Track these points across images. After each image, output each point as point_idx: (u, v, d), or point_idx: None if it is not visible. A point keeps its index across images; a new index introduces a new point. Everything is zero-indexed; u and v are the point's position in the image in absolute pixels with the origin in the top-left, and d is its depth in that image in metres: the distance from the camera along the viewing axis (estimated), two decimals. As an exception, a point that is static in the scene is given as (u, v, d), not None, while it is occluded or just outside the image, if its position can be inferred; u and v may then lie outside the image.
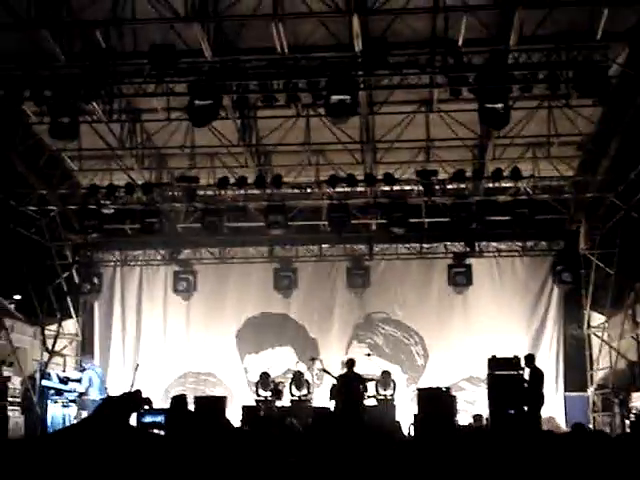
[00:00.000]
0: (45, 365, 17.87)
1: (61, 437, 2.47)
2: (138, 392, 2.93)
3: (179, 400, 5.45)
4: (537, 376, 16.61)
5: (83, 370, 15.92)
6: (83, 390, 15.19)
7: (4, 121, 15.54)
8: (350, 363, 17.00)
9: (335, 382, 16.64)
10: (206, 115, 13.90)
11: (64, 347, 19.24)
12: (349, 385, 16.39)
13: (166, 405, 18.27)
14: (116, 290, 20.33)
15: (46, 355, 18.32)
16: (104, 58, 13.76)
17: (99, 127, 16.58)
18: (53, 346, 18.67)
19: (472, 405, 18.64)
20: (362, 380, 16.84)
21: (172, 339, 19.92)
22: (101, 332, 20.22)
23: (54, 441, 2.43)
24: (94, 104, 15.17)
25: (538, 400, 15.70)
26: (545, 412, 16.21)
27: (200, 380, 19.81)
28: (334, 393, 16.49)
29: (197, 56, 14.07)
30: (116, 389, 17.67)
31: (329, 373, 17.20)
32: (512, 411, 13.69)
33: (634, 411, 15.47)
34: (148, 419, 11.43)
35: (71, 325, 19.82)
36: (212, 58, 14.21)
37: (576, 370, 19.20)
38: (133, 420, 10.39)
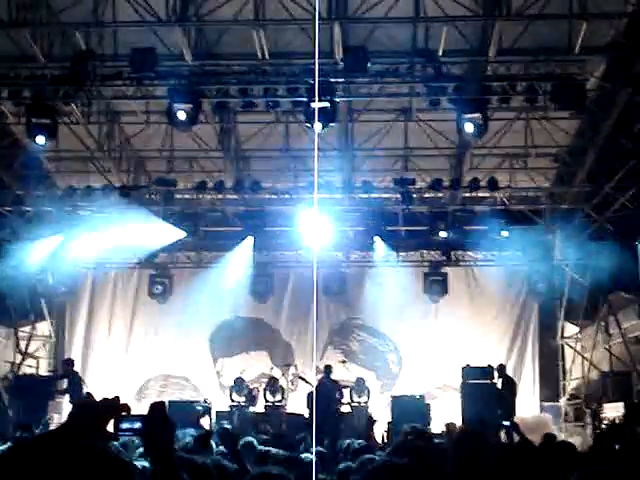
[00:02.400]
0: (18, 367, 17.74)
1: (32, 445, 2.45)
2: (116, 398, 2.91)
3: (158, 407, 5.48)
4: (509, 385, 16.74)
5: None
6: None
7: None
8: (327, 369, 17.06)
9: (311, 389, 16.68)
10: (188, 119, 13.91)
11: (37, 349, 19.11)
12: (326, 392, 16.43)
13: (140, 409, 18.34)
14: (89, 292, 20.20)
15: (19, 357, 18.19)
16: (84, 60, 13.72)
17: (77, 129, 16.49)
18: (26, 348, 18.55)
19: (445, 413, 18.70)
20: (338, 387, 16.90)
21: (145, 342, 19.79)
22: (78, 335, 20.06)
23: (25, 449, 2.40)
24: (73, 106, 15.10)
25: (510, 409, 15.82)
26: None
27: (171, 383, 19.73)
28: (310, 400, 16.52)
29: (178, 60, 14.08)
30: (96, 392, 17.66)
31: (305, 380, 17.23)
32: (507, 422, 13.74)
33: (605, 422, 15.60)
34: (125, 425, 11.29)
35: (45, 327, 19.68)
36: (192, 62, 14.23)
37: (550, 380, 19.32)
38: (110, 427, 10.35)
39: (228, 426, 10.30)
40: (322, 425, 13.97)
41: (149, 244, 18.14)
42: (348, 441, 8.41)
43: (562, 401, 18.80)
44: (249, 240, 18.35)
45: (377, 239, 18.16)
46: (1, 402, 16.29)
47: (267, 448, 7.14)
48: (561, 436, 17.33)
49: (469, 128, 13.99)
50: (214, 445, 6.92)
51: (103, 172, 17.82)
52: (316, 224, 17.24)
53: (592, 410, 16.76)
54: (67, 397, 15.77)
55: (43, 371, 18.51)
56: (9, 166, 17.20)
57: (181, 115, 13.81)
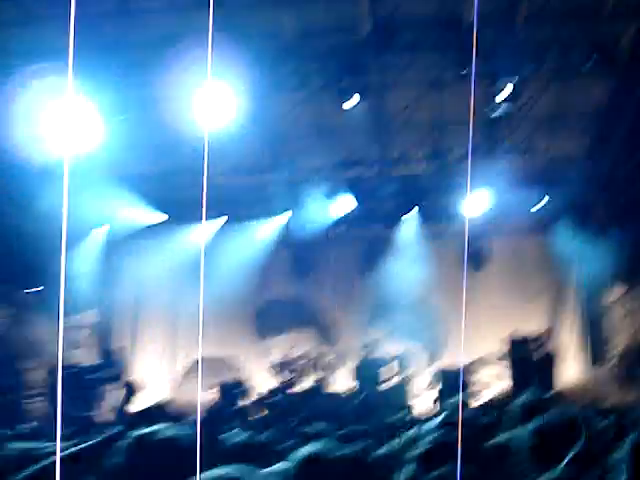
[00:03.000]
0: (66, 357, 18.00)
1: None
2: None
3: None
4: (557, 353, 16.65)
5: None
6: None
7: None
8: (372, 344, 17.13)
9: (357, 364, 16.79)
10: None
11: (85, 338, 19.37)
12: (371, 367, 16.52)
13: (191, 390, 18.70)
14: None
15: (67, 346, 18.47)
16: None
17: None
18: (74, 337, 18.80)
19: (493, 383, 18.68)
20: (383, 361, 16.96)
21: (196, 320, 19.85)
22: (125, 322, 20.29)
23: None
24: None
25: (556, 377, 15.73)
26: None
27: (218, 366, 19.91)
28: (357, 375, 16.63)
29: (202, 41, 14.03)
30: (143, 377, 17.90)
31: (349, 358, 17.34)
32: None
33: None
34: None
35: (91, 316, 19.94)
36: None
37: (598, 343, 19.15)
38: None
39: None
40: (368, 402, 14.05)
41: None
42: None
43: (612, 364, 18.62)
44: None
45: (414, 211, 18.09)
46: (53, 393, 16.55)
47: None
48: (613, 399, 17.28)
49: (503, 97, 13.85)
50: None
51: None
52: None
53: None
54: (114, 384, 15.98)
55: (91, 361, 18.77)
56: None
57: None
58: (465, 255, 17.05)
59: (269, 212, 18.81)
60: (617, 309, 18.97)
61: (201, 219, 17.86)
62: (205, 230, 18.83)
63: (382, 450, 5.88)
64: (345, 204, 18.43)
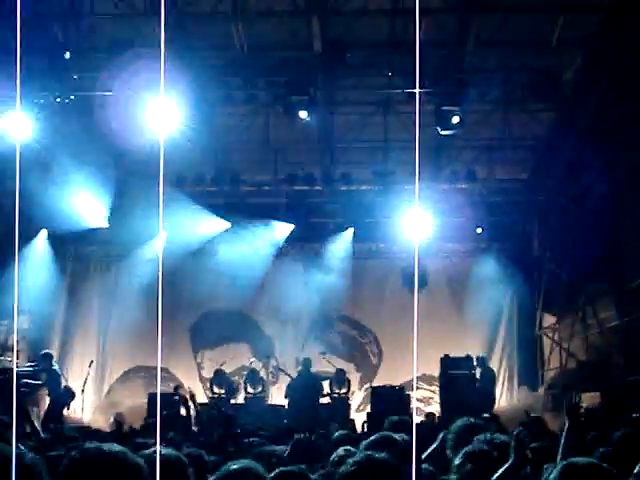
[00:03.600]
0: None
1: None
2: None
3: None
4: (489, 376, 16.89)
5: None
6: None
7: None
8: (306, 362, 17.16)
9: (291, 380, 16.78)
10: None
11: (16, 342, 18.98)
12: (305, 383, 16.53)
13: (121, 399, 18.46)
14: (71, 283, 20.09)
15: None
16: (61, 51, 13.67)
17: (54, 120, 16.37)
18: (5, 342, 18.44)
19: (425, 404, 18.86)
20: (318, 378, 16.99)
21: (127, 332, 19.60)
22: (57, 328, 19.95)
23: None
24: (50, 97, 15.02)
25: (489, 400, 15.96)
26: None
27: (151, 375, 19.69)
28: (290, 391, 16.62)
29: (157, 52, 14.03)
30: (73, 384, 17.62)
31: (285, 372, 17.32)
32: (486, 415, 13.75)
33: (582, 411, 15.72)
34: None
35: (25, 320, 19.57)
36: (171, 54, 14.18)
37: (528, 370, 19.48)
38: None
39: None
40: (302, 416, 14.06)
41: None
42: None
43: (540, 391, 18.96)
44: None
45: (350, 230, 18.27)
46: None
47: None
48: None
49: (455, 120, 14.12)
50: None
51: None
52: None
53: (569, 399, 16.89)
54: (46, 391, 15.72)
55: (22, 365, 18.40)
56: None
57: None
58: (416, 276, 17.21)
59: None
60: (548, 338, 19.34)
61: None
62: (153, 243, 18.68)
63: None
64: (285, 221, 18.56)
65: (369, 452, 4.04)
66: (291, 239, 19.26)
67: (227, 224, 18.45)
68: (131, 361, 19.64)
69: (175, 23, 14.32)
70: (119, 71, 13.24)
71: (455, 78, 14.23)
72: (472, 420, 6.79)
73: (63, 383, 16.33)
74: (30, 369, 16.09)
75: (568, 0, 13.43)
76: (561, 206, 17.90)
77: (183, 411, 11.92)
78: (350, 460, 3.82)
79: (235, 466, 3.70)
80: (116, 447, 2.70)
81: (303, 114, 13.96)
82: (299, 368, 17.74)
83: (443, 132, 14.39)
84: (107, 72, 13.75)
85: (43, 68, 13.73)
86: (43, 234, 18.59)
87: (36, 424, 9.41)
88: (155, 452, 3.55)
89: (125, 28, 14.02)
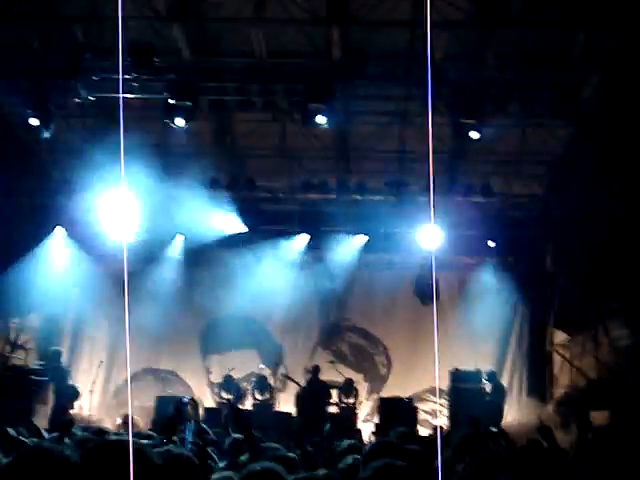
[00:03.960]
0: (7, 359, 17.72)
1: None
2: None
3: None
4: (498, 391, 16.83)
5: None
6: None
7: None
8: (315, 370, 17.14)
9: (300, 388, 16.76)
10: (183, 116, 13.95)
11: (27, 341, 19.07)
12: (314, 392, 16.51)
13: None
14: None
15: (8, 348, 18.19)
16: (81, 53, 13.75)
17: (74, 122, 16.48)
18: (16, 339, 18.52)
19: (433, 416, 18.77)
20: (326, 387, 16.96)
21: (136, 334, 19.57)
22: (67, 326, 19.97)
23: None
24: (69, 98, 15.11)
25: (498, 415, 15.89)
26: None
27: (159, 378, 19.71)
28: (298, 400, 16.61)
29: (176, 56, 14.12)
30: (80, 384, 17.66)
31: (292, 380, 17.30)
32: (494, 429, 13.67)
33: (592, 429, 15.63)
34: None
35: (34, 319, 19.63)
36: (191, 59, 14.26)
37: (538, 386, 19.36)
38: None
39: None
40: (309, 425, 14.03)
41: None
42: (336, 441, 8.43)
43: (549, 407, 18.85)
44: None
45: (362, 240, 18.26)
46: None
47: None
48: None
49: (475, 135, 14.11)
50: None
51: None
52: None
53: (579, 418, 16.81)
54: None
55: (32, 363, 18.46)
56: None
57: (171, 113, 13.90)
58: (433, 288, 17.17)
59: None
60: (558, 354, 19.25)
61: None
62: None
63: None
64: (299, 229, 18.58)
65: (388, 460, 4.06)
66: (307, 247, 19.27)
67: (243, 229, 18.40)
68: (140, 363, 19.61)
69: (196, 28, 14.42)
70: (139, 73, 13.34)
71: (473, 91, 14.20)
72: (472, 432, 6.79)
73: (70, 382, 16.40)
74: (39, 367, 16.17)
75: (588, 17, 13.40)
76: (576, 223, 17.81)
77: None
78: (372, 465, 3.84)
79: (258, 467, 3.70)
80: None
81: (321, 119, 13.95)
82: (308, 376, 17.72)
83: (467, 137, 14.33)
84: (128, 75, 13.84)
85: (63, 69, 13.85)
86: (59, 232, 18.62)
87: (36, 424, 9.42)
88: (168, 451, 3.57)
89: (147, 32, 14.08)
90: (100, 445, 2.74)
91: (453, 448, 6.07)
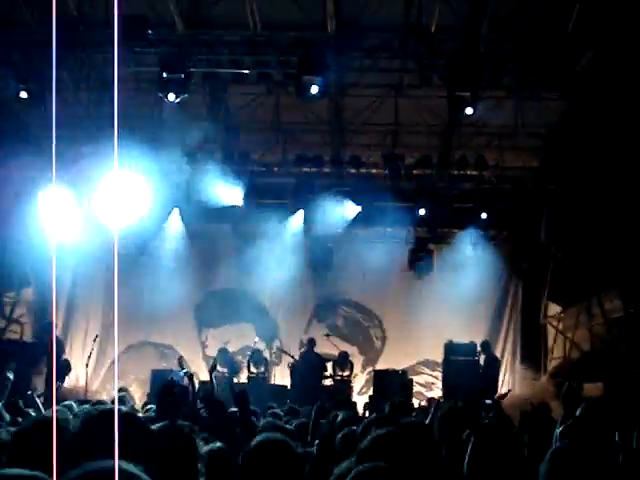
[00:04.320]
0: (2, 332, 17.75)
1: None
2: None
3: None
4: (492, 362, 16.91)
5: None
6: None
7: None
8: (310, 342, 17.20)
9: (295, 361, 16.84)
10: (177, 89, 13.88)
11: (22, 315, 19.09)
12: (309, 364, 16.58)
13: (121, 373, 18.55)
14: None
15: (3, 322, 18.20)
16: (75, 26, 13.66)
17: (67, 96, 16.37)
18: (11, 313, 18.54)
19: (427, 389, 18.90)
20: (321, 360, 17.02)
21: (128, 307, 19.51)
22: (61, 299, 19.95)
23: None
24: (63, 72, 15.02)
25: (493, 387, 15.98)
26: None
27: (155, 351, 19.76)
28: (293, 372, 16.69)
29: (169, 28, 14.03)
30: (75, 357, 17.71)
31: (287, 353, 17.37)
32: (489, 401, 13.74)
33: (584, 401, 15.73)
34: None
35: (30, 293, 19.63)
36: (184, 31, 14.17)
37: (532, 358, 19.46)
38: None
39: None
40: (304, 397, 14.10)
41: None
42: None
43: (543, 379, 18.97)
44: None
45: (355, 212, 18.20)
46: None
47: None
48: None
49: (469, 111, 14.09)
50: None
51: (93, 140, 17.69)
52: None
53: (572, 389, 16.90)
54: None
55: (27, 337, 18.51)
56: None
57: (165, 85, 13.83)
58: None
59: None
60: (552, 327, 19.34)
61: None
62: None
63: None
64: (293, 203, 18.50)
65: (390, 428, 4.09)
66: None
67: (238, 202, 18.29)
68: (136, 336, 19.64)
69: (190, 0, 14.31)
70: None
71: (468, 63, 14.14)
72: (460, 404, 6.83)
73: (63, 356, 16.44)
74: (34, 339, 16.22)
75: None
76: (570, 196, 17.82)
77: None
78: (369, 437, 3.86)
79: (264, 438, 3.68)
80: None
81: (314, 89, 13.84)
82: (302, 349, 17.80)
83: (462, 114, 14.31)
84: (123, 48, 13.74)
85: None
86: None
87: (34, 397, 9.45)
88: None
89: (140, 4, 13.97)
90: (102, 413, 2.76)
91: (439, 419, 6.11)
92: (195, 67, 14.46)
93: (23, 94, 14.22)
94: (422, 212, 17.73)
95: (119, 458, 2.08)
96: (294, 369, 16.74)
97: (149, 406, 9.92)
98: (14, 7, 13.79)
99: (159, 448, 2.68)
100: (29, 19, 13.91)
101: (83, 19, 13.82)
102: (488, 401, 14.06)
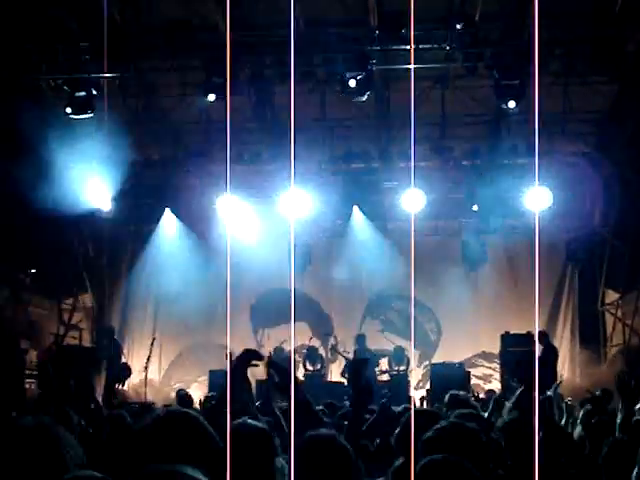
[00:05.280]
0: (61, 339, 18.04)
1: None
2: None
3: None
4: (551, 353, 16.69)
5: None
6: None
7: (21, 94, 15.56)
8: (360, 339, 17.22)
9: (347, 361, 16.84)
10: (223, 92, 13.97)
11: (80, 320, 19.39)
12: (360, 363, 16.58)
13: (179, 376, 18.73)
14: (127, 264, 20.29)
15: (62, 329, 18.50)
16: (120, 33, 13.82)
17: (115, 102, 16.56)
18: (69, 320, 18.84)
19: (485, 381, 18.74)
20: (373, 356, 17.00)
21: (189, 310, 19.68)
22: (119, 304, 20.19)
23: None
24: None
25: (552, 377, 15.76)
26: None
27: (211, 353, 19.86)
28: (348, 370, 16.70)
29: (213, 31, 14.08)
30: (135, 362, 17.90)
31: (340, 352, 17.39)
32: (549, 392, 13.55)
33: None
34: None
35: (87, 299, 19.94)
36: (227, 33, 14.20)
37: (591, 346, 19.20)
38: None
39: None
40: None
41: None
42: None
43: (603, 367, 18.70)
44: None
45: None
46: (47, 374, 16.54)
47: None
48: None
49: (512, 104, 13.95)
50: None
51: (141, 145, 17.90)
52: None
53: (624, 382, 16.61)
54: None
55: (86, 342, 18.79)
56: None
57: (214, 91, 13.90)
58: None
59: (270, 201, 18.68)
60: (610, 314, 19.07)
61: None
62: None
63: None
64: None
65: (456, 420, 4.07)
66: (347, 217, 19.22)
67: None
68: (191, 338, 19.81)
69: (232, 2, 14.34)
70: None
71: (514, 51, 13.98)
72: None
73: (122, 359, 16.65)
74: (93, 345, 16.47)
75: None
76: (625, 180, 17.52)
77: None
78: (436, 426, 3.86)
79: (318, 434, 3.67)
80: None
81: (360, 87, 13.84)
82: (355, 347, 17.78)
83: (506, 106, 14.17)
84: (165, 53, 13.90)
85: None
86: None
87: (99, 400, 9.58)
88: (244, 421, 3.59)
89: (183, 8, 14.09)
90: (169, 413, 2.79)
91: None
92: (240, 69, 14.50)
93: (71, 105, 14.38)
94: (475, 208, 17.59)
95: (182, 462, 2.10)
96: (348, 367, 16.73)
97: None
98: (59, 16, 13.98)
99: (232, 447, 2.67)
100: (74, 27, 14.08)
101: (128, 26, 13.96)
102: (549, 392, 13.91)
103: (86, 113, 14.53)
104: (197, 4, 14.04)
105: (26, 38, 14.18)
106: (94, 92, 14.47)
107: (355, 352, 17.32)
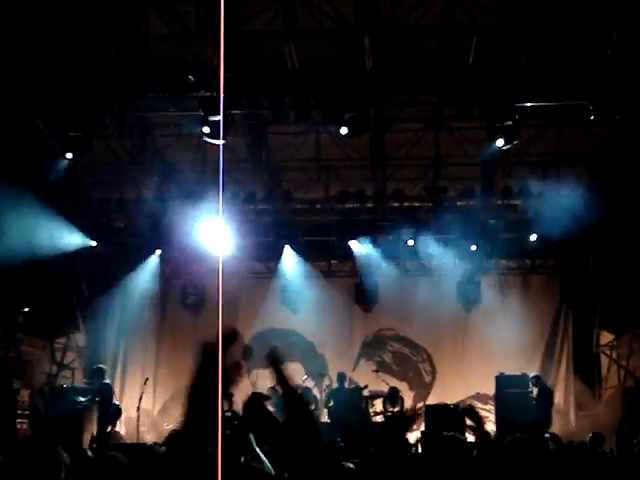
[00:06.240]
0: (54, 378, 17.89)
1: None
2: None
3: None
4: (545, 394, 16.62)
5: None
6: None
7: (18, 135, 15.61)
8: (340, 376, 17.26)
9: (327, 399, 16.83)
10: (218, 131, 14.02)
11: (72, 360, 19.25)
12: (342, 399, 16.59)
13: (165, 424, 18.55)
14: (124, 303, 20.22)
15: (55, 368, 18.36)
16: (117, 73, 13.91)
17: (111, 142, 16.64)
18: (62, 359, 18.70)
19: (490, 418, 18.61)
20: (354, 391, 17.00)
21: (176, 354, 19.66)
22: (110, 346, 20.10)
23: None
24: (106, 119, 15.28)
25: (546, 419, 15.68)
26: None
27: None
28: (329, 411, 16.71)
29: (209, 71, 14.17)
30: (126, 403, 17.75)
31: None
32: (547, 435, 13.48)
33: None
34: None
35: (80, 338, 19.81)
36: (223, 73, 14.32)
37: (586, 388, 19.10)
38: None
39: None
40: (352, 434, 13.94)
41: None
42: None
43: (599, 409, 18.58)
44: (286, 250, 18.48)
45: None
46: (38, 414, 16.40)
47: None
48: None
49: (499, 143, 14.04)
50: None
51: (136, 184, 17.95)
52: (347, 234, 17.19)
53: (628, 419, 16.55)
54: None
55: (78, 382, 18.62)
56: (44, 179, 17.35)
57: (207, 129, 13.94)
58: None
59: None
60: (605, 355, 19.00)
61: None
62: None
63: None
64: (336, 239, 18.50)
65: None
66: (342, 257, 19.25)
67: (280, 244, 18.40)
68: (182, 380, 19.63)
69: (227, 42, 14.47)
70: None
71: (507, 93, 14.09)
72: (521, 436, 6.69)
73: (114, 400, 16.49)
74: (84, 386, 16.32)
75: (620, 16, 13.23)
76: (618, 221, 17.55)
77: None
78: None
79: None
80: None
81: (343, 130, 13.98)
82: (333, 386, 17.77)
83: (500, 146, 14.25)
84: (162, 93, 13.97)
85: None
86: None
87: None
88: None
89: (179, 49, 14.20)
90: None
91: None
92: (235, 109, 14.58)
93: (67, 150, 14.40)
94: (473, 248, 17.64)
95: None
96: (330, 407, 16.74)
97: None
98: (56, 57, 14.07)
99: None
100: (71, 67, 14.16)
101: (124, 66, 14.05)
102: (547, 435, 13.79)
103: (81, 152, 14.56)
104: (193, 44, 14.15)
105: (23, 76, 14.24)
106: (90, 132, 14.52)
107: (329, 394, 17.32)
